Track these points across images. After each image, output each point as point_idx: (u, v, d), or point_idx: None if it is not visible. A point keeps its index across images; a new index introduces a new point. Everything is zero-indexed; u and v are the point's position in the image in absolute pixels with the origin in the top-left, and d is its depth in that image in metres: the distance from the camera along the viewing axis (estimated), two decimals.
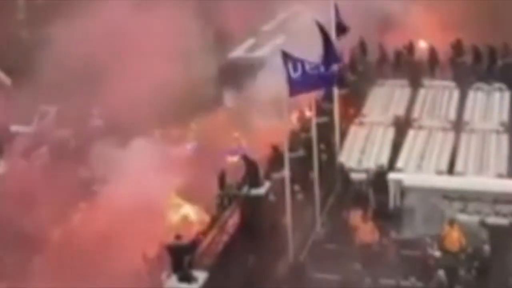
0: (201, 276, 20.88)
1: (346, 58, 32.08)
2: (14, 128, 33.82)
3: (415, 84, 33.18)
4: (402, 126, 30.47)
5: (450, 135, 29.60)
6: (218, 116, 32.75)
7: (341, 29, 27.02)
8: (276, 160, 26.31)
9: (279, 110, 24.10)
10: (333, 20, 26.91)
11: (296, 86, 23.03)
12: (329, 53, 23.89)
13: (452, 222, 23.92)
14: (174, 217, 26.36)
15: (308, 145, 26.65)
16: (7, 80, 35.87)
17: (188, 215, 26.61)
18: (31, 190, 27.76)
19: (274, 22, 38.85)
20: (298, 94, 23.53)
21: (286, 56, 22.91)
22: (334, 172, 28.04)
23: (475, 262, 23.07)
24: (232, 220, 24.09)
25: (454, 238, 23.61)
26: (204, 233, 23.00)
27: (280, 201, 24.41)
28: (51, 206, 26.79)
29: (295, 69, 22.94)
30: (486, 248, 23.43)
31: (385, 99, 32.48)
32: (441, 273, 22.61)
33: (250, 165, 25.18)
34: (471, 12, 35.44)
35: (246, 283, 22.52)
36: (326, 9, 26.37)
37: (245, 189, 24.67)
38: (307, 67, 23.08)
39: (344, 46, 28.92)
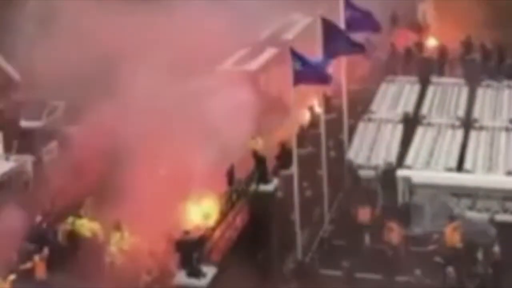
0: (209, 271, 20.91)
1: None
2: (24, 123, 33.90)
3: (425, 81, 33.17)
4: (411, 123, 30.45)
5: (459, 132, 29.58)
6: None
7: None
8: (284, 156, 26.34)
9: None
10: (342, 17, 27.01)
11: (299, 77, 23.64)
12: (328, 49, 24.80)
13: (452, 218, 24.32)
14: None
15: (316, 142, 26.68)
16: (16, 76, 35.95)
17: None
18: None
19: (268, 32, 37.62)
20: (300, 84, 23.79)
21: (294, 54, 23.51)
22: (342, 169, 28.05)
23: (481, 257, 23.18)
24: (241, 216, 24.11)
25: (453, 234, 23.93)
26: (213, 228, 23.03)
27: (288, 197, 24.45)
28: None
29: (300, 64, 23.67)
30: (495, 245, 23.45)
31: (394, 96, 32.49)
32: (450, 269, 22.66)
33: (259, 162, 25.19)
34: (481, 10, 35.41)
35: (255, 278, 22.55)
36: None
37: (253, 185, 24.69)
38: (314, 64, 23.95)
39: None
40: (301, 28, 36.69)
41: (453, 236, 23.90)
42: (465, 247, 23.87)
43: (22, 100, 34.30)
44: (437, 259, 23.57)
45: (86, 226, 25.57)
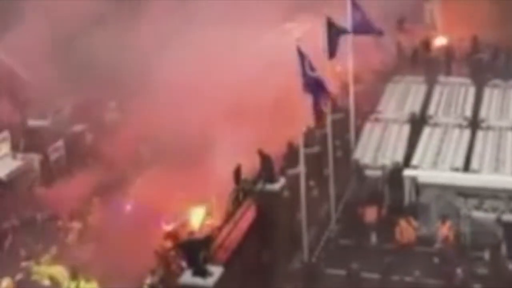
0: (216, 271, 20.91)
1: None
2: (31, 122, 34.01)
3: (431, 81, 33.12)
4: (417, 123, 30.41)
5: (466, 132, 29.50)
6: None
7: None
8: (291, 156, 26.33)
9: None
10: (349, 18, 27.05)
11: (311, 83, 23.29)
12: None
13: (444, 219, 24.42)
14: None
15: (323, 142, 26.67)
16: (24, 75, 36.03)
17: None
18: None
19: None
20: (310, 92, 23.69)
21: (302, 55, 23.17)
22: (349, 169, 28.04)
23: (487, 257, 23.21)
24: (247, 215, 24.11)
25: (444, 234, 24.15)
26: (219, 228, 23.04)
27: (295, 197, 24.44)
28: None
29: (312, 69, 23.21)
30: (502, 245, 23.42)
31: (401, 96, 32.42)
32: (459, 270, 22.64)
33: (265, 161, 25.18)
34: (488, 10, 35.33)
35: (261, 278, 22.57)
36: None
37: (260, 185, 24.69)
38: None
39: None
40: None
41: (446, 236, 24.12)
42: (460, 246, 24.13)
43: (29, 99, 34.40)
44: (435, 259, 23.62)
45: (45, 273, 24.37)
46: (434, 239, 24.54)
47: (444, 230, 24.25)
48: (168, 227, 25.91)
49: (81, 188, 28.57)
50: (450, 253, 23.79)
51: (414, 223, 24.81)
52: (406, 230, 24.53)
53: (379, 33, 28.08)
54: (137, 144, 30.73)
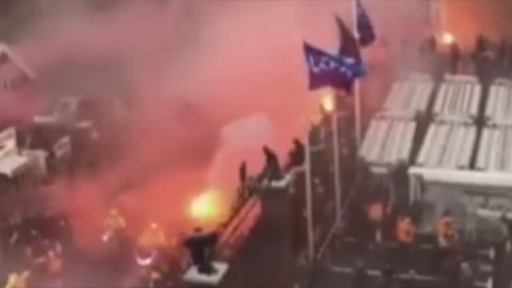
0: (221, 267, 20.93)
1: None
2: (37, 119, 34.07)
3: (437, 79, 33.10)
4: (423, 120, 30.41)
5: (472, 130, 29.52)
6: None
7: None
8: (297, 153, 26.32)
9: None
10: (354, 20, 27.04)
11: (316, 80, 23.08)
12: (346, 50, 24.15)
13: (446, 213, 24.54)
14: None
15: (329, 139, 26.67)
16: (30, 73, 36.11)
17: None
18: None
19: None
20: (317, 88, 23.58)
21: (308, 49, 22.92)
22: (354, 166, 28.04)
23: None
24: (253, 212, 24.11)
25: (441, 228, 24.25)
26: (225, 224, 23.05)
27: (300, 194, 24.44)
28: None
29: (316, 63, 23.01)
30: (507, 243, 23.40)
31: (406, 94, 32.43)
32: (465, 266, 22.62)
33: (270, 158, 25.17)
34: (494, 8, 35.32)
35: (266, 275, 22.56)
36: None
37: (265, 182, 24.68)
38: (331, 63, 23.16)
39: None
40: None
41: (445, 231, 24.14)
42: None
43: (35, 95, 34.47)
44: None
45: None
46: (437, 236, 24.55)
47: (444, 226, 24.22)
48: (145, 262, 25.91)
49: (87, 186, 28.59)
50: (453, 249, 23.75)
51: (406, 222, 24.65)
52: (398, 227, 24.53)
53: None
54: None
